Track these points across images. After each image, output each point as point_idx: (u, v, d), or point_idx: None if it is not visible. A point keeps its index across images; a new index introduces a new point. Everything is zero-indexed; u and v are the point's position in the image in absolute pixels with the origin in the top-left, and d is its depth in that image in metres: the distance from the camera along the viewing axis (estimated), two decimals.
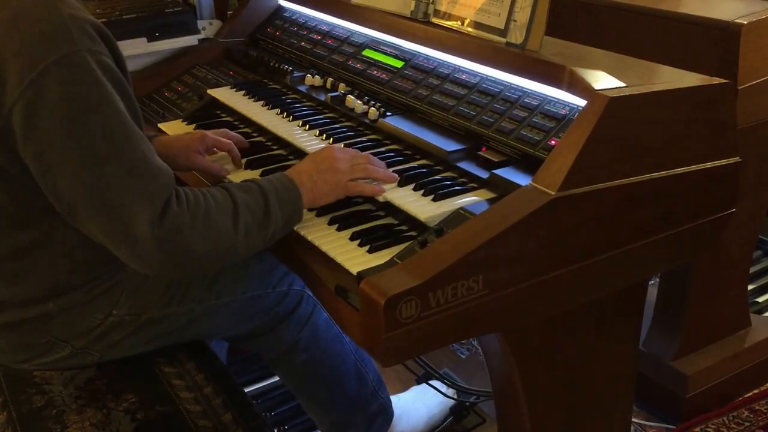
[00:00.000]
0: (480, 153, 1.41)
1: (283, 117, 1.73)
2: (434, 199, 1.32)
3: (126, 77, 1.27)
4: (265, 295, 1.57)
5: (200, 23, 2.25)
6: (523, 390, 1.36)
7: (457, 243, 1.10)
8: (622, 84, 1.25)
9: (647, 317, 2.00)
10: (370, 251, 1.25)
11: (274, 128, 1.68)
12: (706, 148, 1.32)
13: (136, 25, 2.12)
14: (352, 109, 1.67)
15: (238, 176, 1.53)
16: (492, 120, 1.44)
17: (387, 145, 1.58)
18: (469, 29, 1.56)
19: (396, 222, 1.35)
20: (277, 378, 2.18)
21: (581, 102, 1.30)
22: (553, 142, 1.32)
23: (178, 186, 1.23)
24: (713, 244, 1.41)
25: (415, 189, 1.37)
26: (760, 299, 2.61)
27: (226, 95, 1.89)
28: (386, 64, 1.75)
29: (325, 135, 1.61)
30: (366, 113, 1.64)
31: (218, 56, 2.17)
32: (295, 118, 1.71)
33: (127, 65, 1.32)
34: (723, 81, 1.33)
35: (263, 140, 1.73)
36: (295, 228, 1.34)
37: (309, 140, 1.60)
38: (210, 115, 1.89)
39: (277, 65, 1.97)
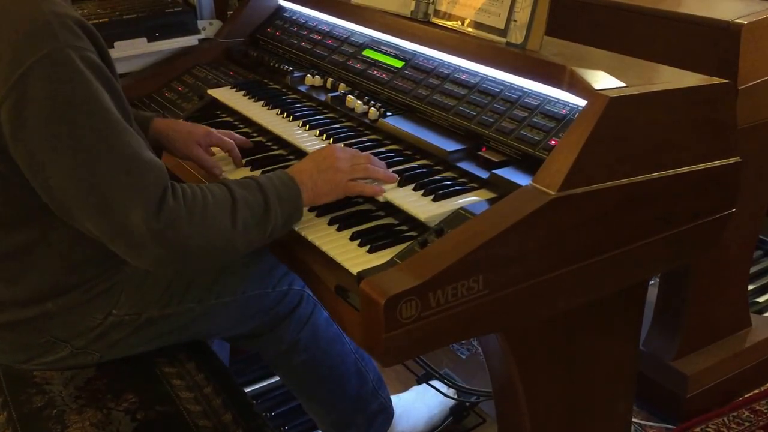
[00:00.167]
0: (480, 153, 1.41)
1: (283, 117, 1.73)
2: (434, 199, 1.32)
3: (113, 73, 1.26)
4: (265, 294, 1.57)
5: (200, 23, 2.25)
6: (523, 390, 1.36)
7: (457, 243, 1.10)
8: (622, 84, 1.25)
9: (647, 317, 2.00)
10: (370, 251, 1.25)
11: (275, 128, 1.68)
12: (706, 148, 1.32)
13: (136, 25, 2.12)
14: (352, 109, 1.67)
15: (238, 175, 1.52)
16: (492, 120, 1.44)
17: (387, 145, 1.58)
18: (469, 29, 1.56)
19: (396, 222, 1.36)
20: (277, 378, 2.18)
21: (581, 102, 1.30)
22: (553, 142, 1.32)
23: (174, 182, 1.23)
24: (713, 244, 1.41)
25: (415, 189, 1.37)
26: (760, 299, 2.61)
27: (226, 95, 1.89)
28: (386, 64, 1.75)
29: (325, 135, 1.61)
30: (366, 113, 1.64)
31: (218, 56, 2.17)
32: (295, 118, 1.71)
33: (115, 63, 1.31)
34: (723, 81, 1.33)
35: (263, 140, 1.73)
36: (296, 228, 1.34)
37: (309, 140, 1.60)
38: (210, 115, 1.89)
39: (277, 65, 1.97)
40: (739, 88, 1.68)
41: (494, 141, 1.42)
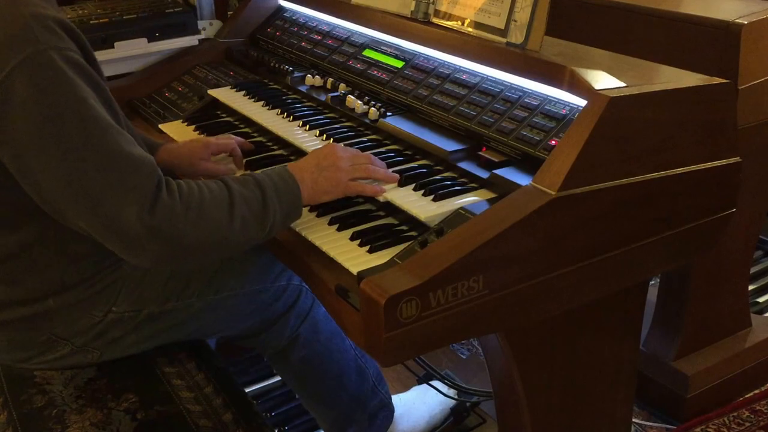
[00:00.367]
0: (480, 153, 1.41)
1: (283, 117, 1.73)
2: (434, 199, 1.32)
3: (98, 71, 1.26)
4: (264, 290, 1.57)
5: (200, 23, 2.25)
6: (523, 390, 1.36)
7: (457, 243, 1.10)
8: (623, 84, 1.25)
9: (647, 317, 2.00)
10: (370, 251, 1.25)
11: (275, 128, 1.68)
12: (706, 148, 1.32)
13: (136, 25, 2.12)
14: (353, 109, 1.67)
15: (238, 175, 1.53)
16: (492, 120, 1.44)
17: (387, 145, 1.58)
18: (470, 29, 1.56)
19: (396, 222, 1.36)
20: (277, 378, 2.18)
21: (581, 102, 1.30)
22: (553, 142, 1.32)
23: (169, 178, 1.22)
24: (713, 244, 1.41)
25: (415, 189, 1.37)
26: (761, 299, 2.61)
27: (226, 95, 1.89)
28: (386, 65, 1.75)
29: (325, 135, 1.61)
30: (366, 113, 1.64)
31: (218, 56, 2.17)
32: (295, 119, 1.71)
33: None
34: (723, 81, 1.33)
35: (264, 140, 1.73)
36: (296, 228, 1.34)
37: (309, 140, 1.60)
38: (210, 115, 1.89)
39: (277, 65, 1.97)
40: (739, 88, 1.68)
41: (494, 141, 1.42)
